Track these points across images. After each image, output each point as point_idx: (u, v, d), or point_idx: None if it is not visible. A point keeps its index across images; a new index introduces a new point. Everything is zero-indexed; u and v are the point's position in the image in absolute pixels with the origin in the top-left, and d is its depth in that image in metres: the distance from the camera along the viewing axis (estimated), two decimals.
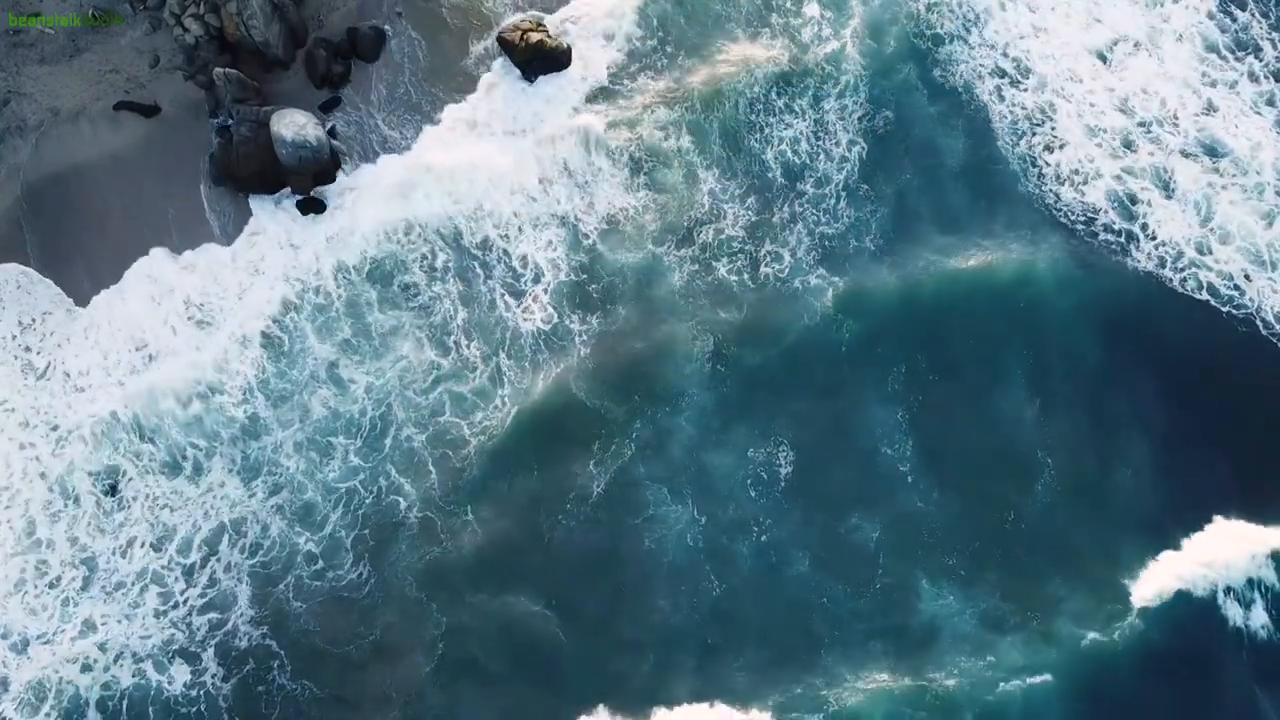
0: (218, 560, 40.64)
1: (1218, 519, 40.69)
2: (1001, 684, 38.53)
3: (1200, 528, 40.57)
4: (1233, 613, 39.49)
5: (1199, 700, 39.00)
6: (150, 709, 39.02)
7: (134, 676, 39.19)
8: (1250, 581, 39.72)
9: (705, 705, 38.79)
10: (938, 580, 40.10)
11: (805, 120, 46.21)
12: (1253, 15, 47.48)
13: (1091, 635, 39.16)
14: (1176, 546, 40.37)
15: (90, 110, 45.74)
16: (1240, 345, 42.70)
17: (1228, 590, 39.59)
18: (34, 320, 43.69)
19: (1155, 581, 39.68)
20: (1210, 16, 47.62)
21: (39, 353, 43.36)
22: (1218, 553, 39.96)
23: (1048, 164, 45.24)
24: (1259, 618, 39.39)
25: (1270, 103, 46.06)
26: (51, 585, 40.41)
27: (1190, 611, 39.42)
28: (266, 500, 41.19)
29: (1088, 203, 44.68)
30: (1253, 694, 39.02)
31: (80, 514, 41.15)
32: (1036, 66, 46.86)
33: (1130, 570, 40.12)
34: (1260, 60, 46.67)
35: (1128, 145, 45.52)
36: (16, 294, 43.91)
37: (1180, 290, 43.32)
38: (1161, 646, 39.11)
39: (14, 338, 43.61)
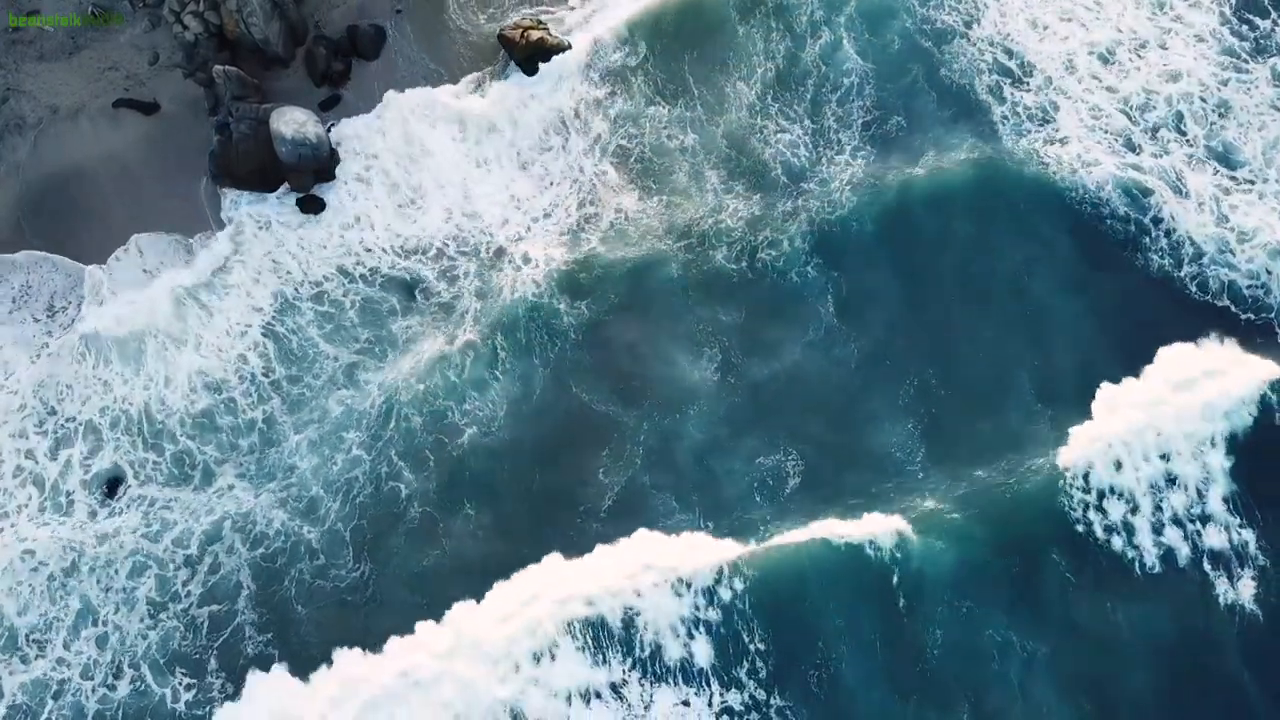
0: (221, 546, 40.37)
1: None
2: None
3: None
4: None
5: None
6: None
7: (132, 683, 38.73)
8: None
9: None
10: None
11: (803, 125, 46.12)
12: (1275, 23, 47.11)
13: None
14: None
15: (89, 108, 45.66)
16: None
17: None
18: (67, 305, 43.57)
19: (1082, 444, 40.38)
20: (1223, 21, 47.33)
21: (59, 339, 43.13)
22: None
23: (1050, 158, 44.92)
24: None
25: None
26: (46, 579, 40.04)
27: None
28: (276, 496, 41.00)
29: (1092, 191, 44.38)
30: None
31: (75, 509, 40.80)
32: (1039, 64, 46.60)
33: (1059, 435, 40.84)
34: None
35: (1132, 148, 45.21)
36: (48, 277, 43.84)
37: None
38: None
39: (36, 320, 43.47)
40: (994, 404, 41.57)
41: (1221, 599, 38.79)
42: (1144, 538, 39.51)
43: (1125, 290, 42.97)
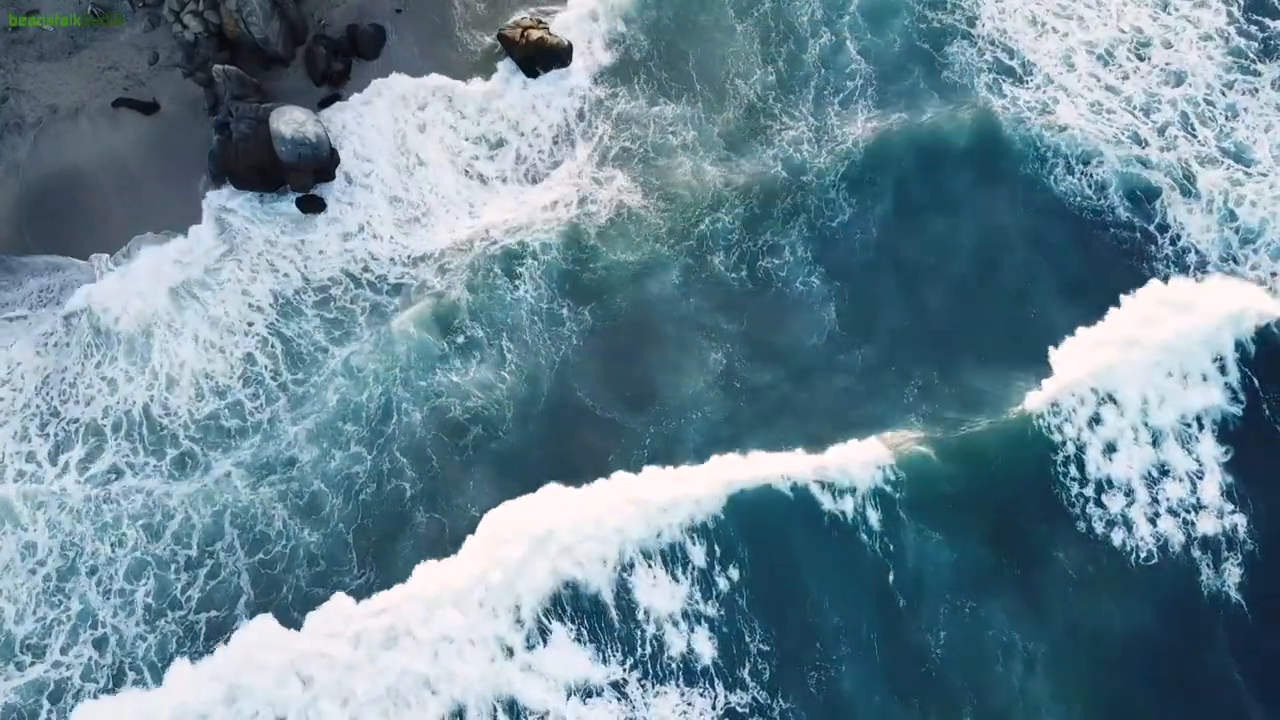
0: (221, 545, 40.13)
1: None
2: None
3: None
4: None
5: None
6: None
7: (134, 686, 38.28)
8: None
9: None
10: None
11: (805, 123, 46.01)
12: None
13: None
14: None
15: (89, 108, 45.50)
16: None
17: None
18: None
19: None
20: (1231, 21, 47.14)
21: (73, 338, 42.94)
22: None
23: (1052, 151, 44.79)
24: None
25: None
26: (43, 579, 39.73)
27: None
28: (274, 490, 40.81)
29: (1092, 188, 44.27)
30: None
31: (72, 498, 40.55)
32: (1040, 63, 46.44)
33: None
34: None
35: (1138, 142, 45.05)
36: (72, 278, 43.54)
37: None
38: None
39: (53, 316, 43.37)
40: (993, 401, 41.59)
41: (1207, 585, 38.92)
42: (1093, 462, 40.15)
43: (1125, 288, 42.93)
